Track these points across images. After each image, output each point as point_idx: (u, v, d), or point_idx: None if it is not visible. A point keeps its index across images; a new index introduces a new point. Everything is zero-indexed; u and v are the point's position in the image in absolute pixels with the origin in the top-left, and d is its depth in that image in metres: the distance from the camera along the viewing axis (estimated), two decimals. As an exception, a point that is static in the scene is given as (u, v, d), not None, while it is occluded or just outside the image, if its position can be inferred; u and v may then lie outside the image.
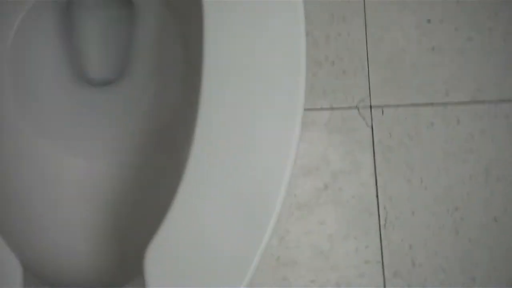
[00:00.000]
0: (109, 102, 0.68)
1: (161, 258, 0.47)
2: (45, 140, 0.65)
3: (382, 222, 0.93)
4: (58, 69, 0.68)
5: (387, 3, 0.97)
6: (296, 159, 0.48)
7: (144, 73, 0.68)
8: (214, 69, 0.49)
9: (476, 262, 0.93)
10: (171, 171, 0.55)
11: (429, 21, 0.97)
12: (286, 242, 0.91)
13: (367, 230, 0.92)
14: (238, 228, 0.47)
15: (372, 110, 0.94)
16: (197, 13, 0.50)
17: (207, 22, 0.49)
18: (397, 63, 0.96)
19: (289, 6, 0.49)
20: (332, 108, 0.94)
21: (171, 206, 0.48)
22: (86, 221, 0.63)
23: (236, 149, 0.48)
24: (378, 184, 0.93)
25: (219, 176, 0.47)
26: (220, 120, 0.48)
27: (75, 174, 0.64)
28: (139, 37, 0.69)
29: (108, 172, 0.64)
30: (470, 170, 0.95)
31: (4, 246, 0.51)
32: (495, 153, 0.95)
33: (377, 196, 0.93)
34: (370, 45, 0.96)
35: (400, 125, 0.95)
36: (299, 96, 0.48)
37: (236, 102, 0.49)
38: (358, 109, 0.94)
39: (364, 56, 0.96)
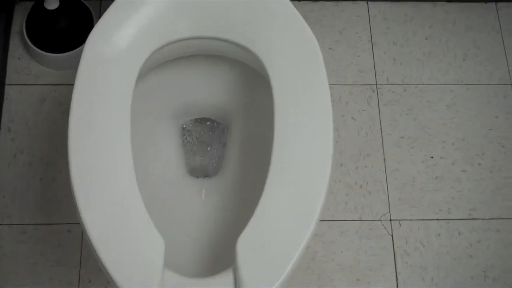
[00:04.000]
0: (206, 188, 1.03)
1: (249, 242, 0.74)
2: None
3: (403, 310, 1.17)
4: (176, 166, 1.04)
5: (400, 142, 1.29)
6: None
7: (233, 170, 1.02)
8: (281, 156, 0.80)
9: None
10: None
11: (432, 157, 1.28)
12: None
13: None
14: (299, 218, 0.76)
15: (392, 222, 1.23)
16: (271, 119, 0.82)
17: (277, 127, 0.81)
18: (409, 187, 1.26)
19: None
20: (361, 220, 1.22)
21: (256, 209, 0.75)
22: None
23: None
24: (398, 280, 1.18)
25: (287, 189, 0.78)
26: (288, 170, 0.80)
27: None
28: (229, 145, 1.04)
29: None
30: (471, 271, 1.20)
31: (151, 224, 0.73)
32: (490, 259, 1.21)
33: (398, 290, 1.18)
34: (388, 174, 1.26)
35: (414, 235, 1.22)
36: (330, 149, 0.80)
37: (294, 157, 0.81)
38: (381, 221, 1.22)
39: (384, 182, 1.26)
